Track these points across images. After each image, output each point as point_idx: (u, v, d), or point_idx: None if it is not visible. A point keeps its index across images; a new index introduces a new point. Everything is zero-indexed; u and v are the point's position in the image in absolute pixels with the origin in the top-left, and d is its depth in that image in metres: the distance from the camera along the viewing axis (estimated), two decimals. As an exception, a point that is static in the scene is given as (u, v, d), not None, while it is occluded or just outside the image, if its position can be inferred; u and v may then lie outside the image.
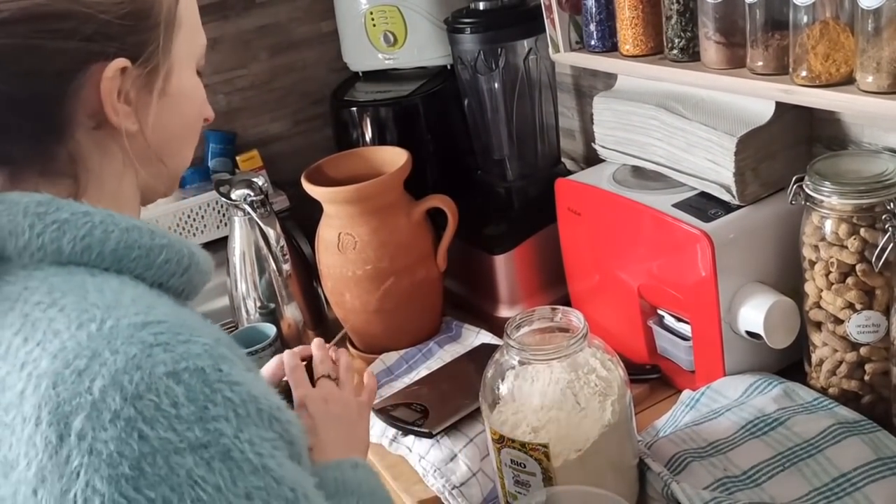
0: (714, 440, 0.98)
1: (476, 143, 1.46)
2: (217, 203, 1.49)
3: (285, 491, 0.58)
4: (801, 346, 1.05)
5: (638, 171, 1.20)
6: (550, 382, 0.90)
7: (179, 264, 0.68)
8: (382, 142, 1.49)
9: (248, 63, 1.65)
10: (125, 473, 0.54)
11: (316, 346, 1.00)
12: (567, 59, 1.25)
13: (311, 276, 1.42)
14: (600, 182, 1.21)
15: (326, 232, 1.33)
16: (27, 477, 0.55)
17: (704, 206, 1.07)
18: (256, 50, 1.66)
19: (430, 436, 1.09)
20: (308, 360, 0.97)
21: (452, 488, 1.04)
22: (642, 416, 1.11)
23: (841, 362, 1.00)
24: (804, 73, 0.90)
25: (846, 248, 0.94)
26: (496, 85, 1.37)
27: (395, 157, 1.34)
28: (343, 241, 1.31)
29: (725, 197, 1.06)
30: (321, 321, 1.44)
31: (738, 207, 1.06)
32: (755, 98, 1.03)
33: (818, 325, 1.01)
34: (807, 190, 0.97)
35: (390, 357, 1.33)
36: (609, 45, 1.17)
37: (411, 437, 1.12)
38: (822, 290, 0.98)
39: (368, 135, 1.51)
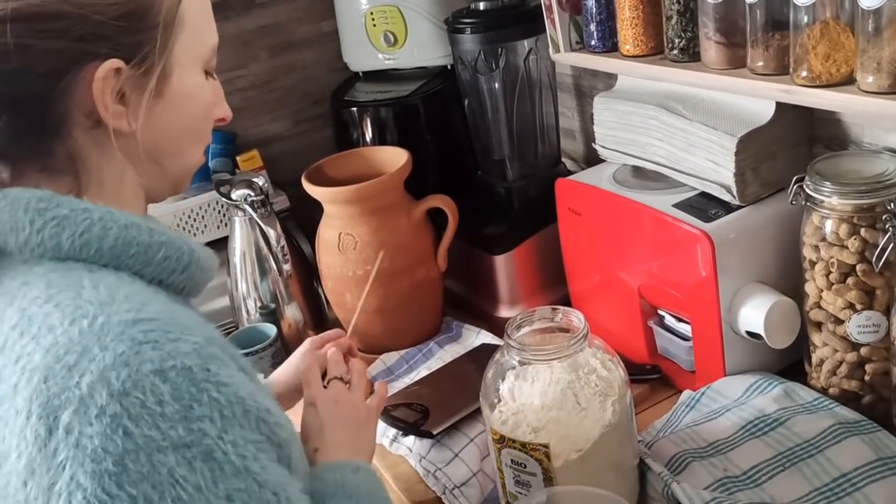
0: (714, 440, 0.98)
1: (476, 144, 1.46)
2: (217, 203, 1.49)
3: (267, 494, 0.59)
4: (801, 347, 1.05)
5: (638, 172, 1.21)
6: (551, 382, 0.90)
7: (179, 261, 0.69)
8: (383, 142, 1.49)
9: (248, 63, 1.65)
10: (108, 469, 0.55)
11: (332, 349, 1.02)
12: (567, 60, 1.25)
13: (312, 276, 1.42)
14: (600, 182, 1.21)
15: (327, 232, 1.33)
16: (18, 468, 0.56)
17: (705, 206, 1.07)
18: (257, 50, 1.66)
19: (430, 436, 1.09)
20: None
21: (453, 488, 1.04)
22: (643, 416, 1.11)
23: (841, 362, 1.00)
24: (804, 74, 0.90)
25: (846, 248, 0.94)
26: (496, 85, 1.37)
27: (395, 158, 1.34)
28: (343, 241, 1.31)
29: (726, 197, 1.06)
30: (321, 321, 1.44)
31: (739, 207, 1.06)
32: (755, 98, 1.03)
33: (818, 326, 1.01)
34: (807, 190, 0.97)
35: (390, 357, 1.33)
36: (609, 45, 1.17)
37: (412, 437, 1.12)
38: (822, 291, 0.98)
39: (369, 135, 1.51)
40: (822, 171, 0.97)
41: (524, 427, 0.90)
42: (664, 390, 1.17)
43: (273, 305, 1.37)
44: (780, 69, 0.94)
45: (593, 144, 1.28)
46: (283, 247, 1.31)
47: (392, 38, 1.53)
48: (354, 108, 1.52)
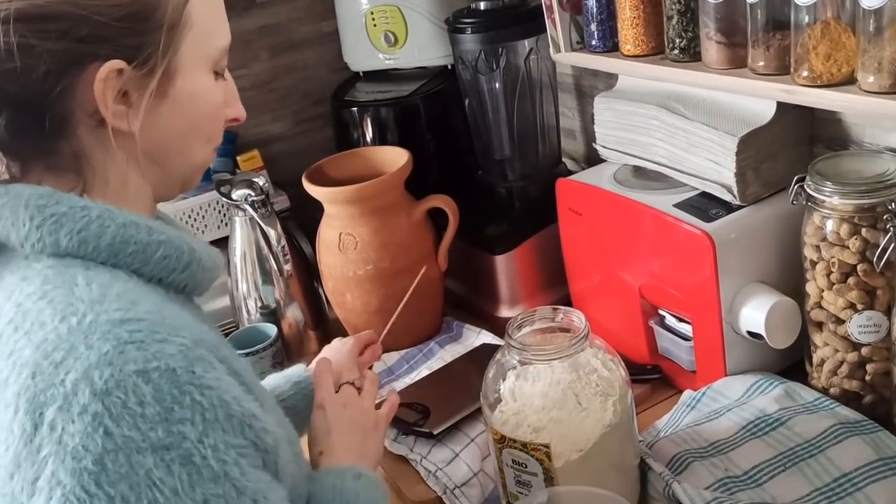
0: (715, 440, 0.98)
1: (477, 143, 1.46)
2: (218, 203, 1.49)
3: (245, 501, 0.59)
4: (802, 347, 1.05)
5: (639, 171, 1.20)
6: (552, 382, 0.90)
7: (179, 261, 0.69)
8: (383, 142, 1.49)
9: (248, 63, 1.65)
10: (88, 468, 0.55)
11: (348, 353, 1.04)
12: (568, 59, 1.25)
13: (312, 276, 1.42)
14: (601, 182, 1.21)
15: (327, 232, 1.33)
16: (5, 461, 0.57)
17: (705, 206, 1.07)
18: (257, 50, 1.66)
19: (431, 436, 1.09)
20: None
21: (454, 488, 1.04)
22: (643, 416, 1.11)
23: (842, 362, 1.00)
24: (805, 73, 0.90)
25: (847, 248, 0.94)
26: (497, 85, 1.37)
27: (395, 158, 1.34)
28: (344, 241, 1.31)
29: (727, 197, 1.06)
30: (322, 321, 1.44)
31: (740, 207, 1.06)
32: (756, 98, 1.03)
33: (819, 326, 1.01)
34: (808, 190, 0.97)
35: (391, 357, 1.33)
36: (610, 45, 1.17)
37: (412, 437, 1.12)
38: (823, 291, 0.98)
39: (369, 135, 1.51)
40: (823, 170, 0.97)
41: (525, 427, 0.90)
42: (665, 390, 1.17)
43: (273, 305, 1.37)
44: (781, 69, 0.94)
45: (594, 144, 1.28)
46: (283, 247, 1.31)
47: (392, 38, 1.53)
48: (355, 108, 1.52)
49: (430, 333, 1.37)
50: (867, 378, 0.99)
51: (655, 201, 1.11)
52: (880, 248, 0.91)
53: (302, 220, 1.50)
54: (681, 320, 1.13)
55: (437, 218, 1.36)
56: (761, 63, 0.96)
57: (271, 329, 1.31)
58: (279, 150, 1.71)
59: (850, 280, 0.95)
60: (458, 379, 1.20)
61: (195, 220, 1.49)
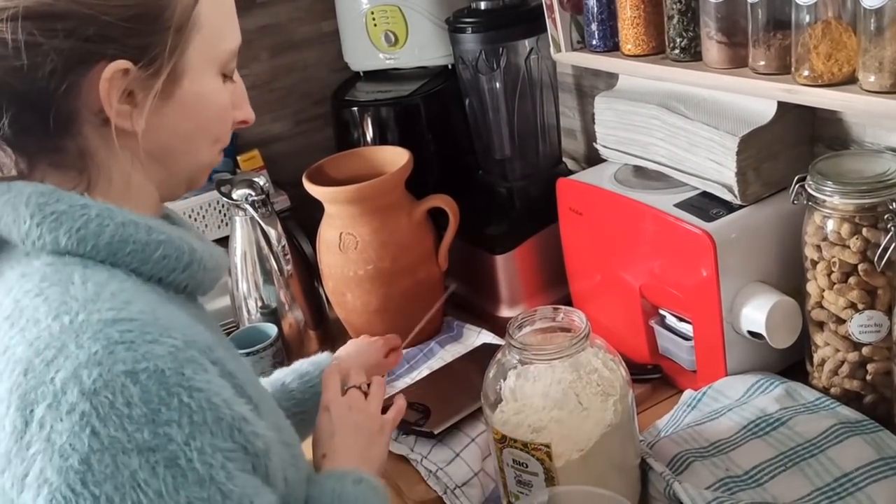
0: (716, 440, 0.98)
1: (477, 143, 1.46)
2: (218, 203, 1.49)
3: None
4: (802, 346, 1.05)
5: (639, 171, 1.20)
6: (552, 382, 0.90)
7: (179, 260, 0.69)
8: (383, 142, 1.49)
9: (248, 63, 1.65)
10: (74, 467, 0.55)
11: (375, 353, 1.06)
12: (568, 59, 1.25)
13: (313, 275, 1.42)
14: (602, 182, 1.20)
15: (328, 232, 1.33)
16: None
17: (706, 205, 1.07)
18: (257, 50, 1.66)
19: (431, 436, 1.09)
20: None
21: (454, 488, 1.04)
22: (644, 415, 1.11)
23: (843, 362, 1.00)
24: (806, 73, 0.90)
25: (848, 247, 0.94)
26: (497, 85, 1.37)
27: (396, 157, 1.34)
28: (344, 240, 1.31)
29: (727, 197, 1.06)
30: (322, 321, 1.44)
31: (740, 207, 1.06)
32: (757, 98, 1.03)
33: (820, 325, 1.01)
34: (809, 190, 0.97)
35: (392, 357, 1.33)
36: (610, 44, 1.17)
37: (413, 437, 1.12)
38: (824, 290, 0.98)
39: (369, 135, 1.51)
40: (823, 170, 0.97)
41: (526, 427, 0.90)
42: (665, 390, 1.16)
43: (274, 305, 1.37)
44: (782, 69, 0.94)
45: (594, 144, 1.28)
46: (283, 246, 1.31)
47: (393, 38, 1.53)
48: (355, 108, 1.52)
49: (430, 333, 1.37)
50: (868, 378, 0.99)
51: (656, 201, 1.11)
52: (881, 247, 0.91)
53: (302, 220, 1.50)
54: (681, 320, 1.13)
55: (437, 218, 1.36)
56: (762, 62, 0.96)
57: (272, 329, 1.31)
58: (279, 150, 1.71)
59: (851, 280, 0.95)
60: (459, 379, 1.20)
61: (195, 219, 1.49)
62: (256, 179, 1.32)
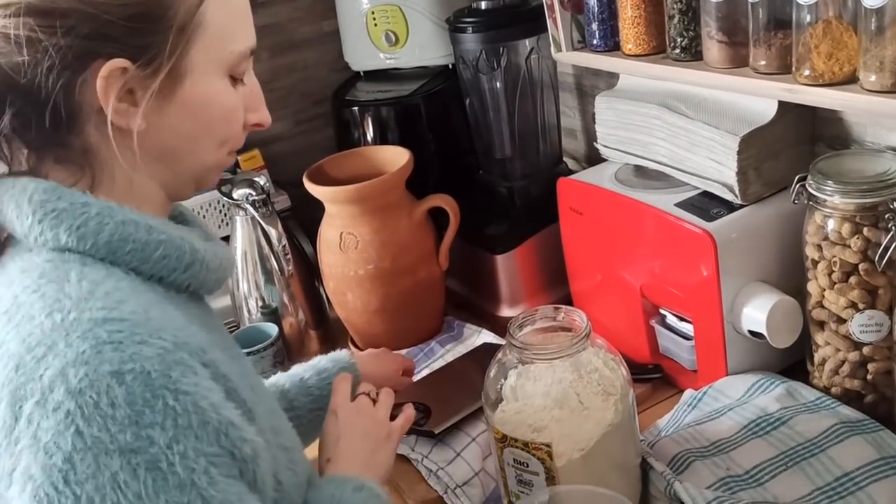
0: (716, 439, 0.98)
1: (478, 143, 1.46)
2: (219, 202, 1.49)
3: None
4: (803, 346, 1.05)
5: (640, 171, 1.20)
6: (553, 382, 0.90)
7: (180, 260, 0.69)
8: (384, 141, 1.49)
9: (249, 63, 1.65)
10: (58, 465, 0.56)
11: (394, 367, 1.07)
12: (569, 59, 1.25)
13: (313, 275, 1.42)
14: (602, 181, 1.20)
15: (328, 231, 1.33)
16: None
17: (707, 205, 1.07)
18: (257, 50, 1.63)
19: (432, 435, 1.09)
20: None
21: (455, 488, 1.04)
22: (645, 415, 1.11)
23: (843, 362, 1.00)
24: (807, 72, 0.90)
25: (849, 247, 0.94)
26: (498, 84, 1.37)
27: (396, 157, 1.34)
28: (345, 240, 1.31)
29: (728, 196, 1.06)
30: (323, 321, 1.44)
31: (741, 207, 1.06)
32: (758, 97, 1.03)
33: (821, 325, 1.01)
34: (809, 189, 0.97)
35: (392, 357, 1.33)
36: (611, 44, 1.17)
37: (413, 437, 1.12)
38: (824, 290, 0.98)
39: (370, 134, 1.51)
40: (824, 170, 0.97)
41: (526, 426, 0.89)
42: (666, 389, 1.17)
43: (274, 305, 1.37)
44: (783, 68, 0.94)
45: (595, 144, 1.28)
46: (284, 246, 1.31)
47: (393, 38, 1.53)
48: (355, 108, 1.52)
49: (431, 333, 1.37)
50: (868, 377, 0.99)
51: (657, 201, 1.11)
52: (882, 247, 0.91)
53: (303, 220, 1.50)
54: (682, 319, 1.13)
55: (437, 217, 1.36)
56: (763, 62, 0.96)
57: (272, 328, 1.31)
58: (280, 150, 1.70)
59: (852, 279, 0.95)
60: (459, 378, 1.20)
61: (196, 219, 1.49)
62: (257, 179, 1.32)
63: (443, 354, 1.31)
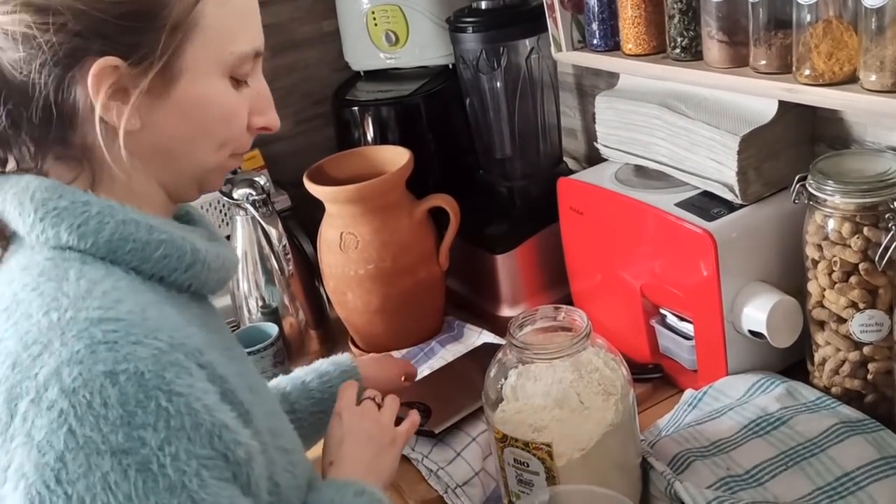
0: (717, 439, 0.98)
1: (478, 143, 1.46)
2: (219, 202, 1.49)
3: None
4: (803, 346, 1.05)
5: (640, 171, 1.20)
6: (553, 382, 0.90)
7: (181, 260, 0.69)
8: (384, 141, 1.49)
9: (249, 62, 1.65)
10: (50, 464, 0.56)
11: (395, 372, 1.07)
12: (569, 59, 1.25)
13: (313, 275, 1.42)
14: (602, 181, 1.20)
15: (328, 231, 1.33)
16: None
17: (707, 205, 1.07)
18: (259, 50, 1.66)
19: (432, 435, 1.09)
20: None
21: (455, 488, 1.04)
22: (645, 415, 1.11)
23: (844, 361, 1.00)
24: (807, 72, 0.90)
25: (849, 247, 0.94)
26: (498, 84, 1.37)
27: (396, 157, 1.34)
28: (345, 240, 1.31)
29: (728, 196, 1.06)
30: (323, 321, 1.44)
31: (741, 206, 1.06)
32: (758, 97, 1.03)
33: (821, 325, 1.01)
34: (810, 189, 0.97)
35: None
36: (611, 44, 1.17)
37: (414, 437, 1.11)
38: (824, 289, 0.98)
39: (370, 134, 1.51)
40: (824, 169, 0.97)
41: (527, 426, 0.89)
42: (666, 389, 1.17)
43: (275, 305, 1.37)
44: (783, 68, 0.94)
45: (595, 143, 1.27)
46: (284, 246, 1.31)
47: (393, 38, 1.53)
48: (356, 108, 1.52)
49: (431, 333, 1.37)
50: (869, 377, 0.99)
51: (657, 200, 1.11)
52: (882, 246, 0.91)
53: (303, 220, 1.50)
54: (682, 319, 1.13)
55: (438, 217, 1.36)
56: (763, 62, 0.96)
57: (272, 328, 1.31)
58: (280, 150, 1.70)
59: (852, 279, 0.95)
60: (460, 378, 1.20)
61: (196, 219, 1.49)
62: (257, 179, 1.32)
63: (443, 354, 1.31)
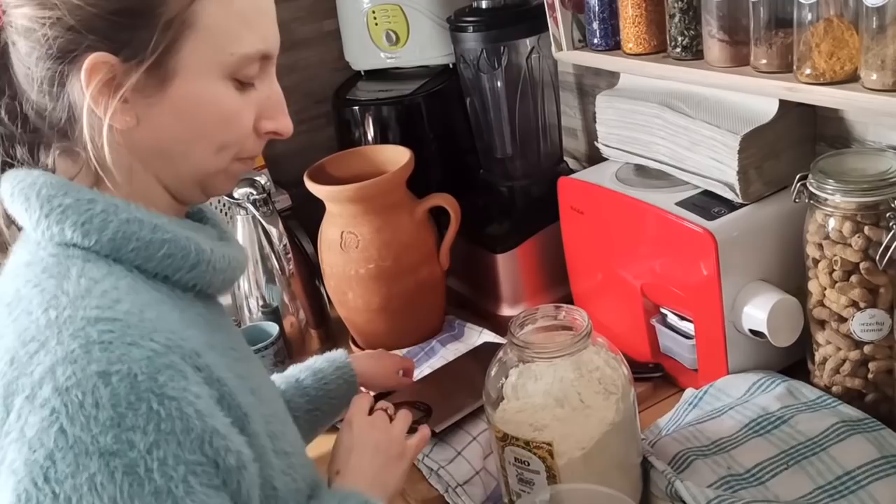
0: (717, 438, 0.98)
1: (478, 142, 1.46)
2: (219, 202, 1.49)
3: None
4: (804, 345, 1.05)
5: (641, 170, 1.20)
6: (554, 381, 0.90)
7: (185, 260, 0.69)
8: (385, 141, 1.49)
9: (250, 62, 1.65)
10: (39, 461, 0.56)
11: (391, 367, 1.08)
12: (570, 58, 1.25)
13: (314, 275, 1.42)
14: (603, 180, 1.20)
15: (329, 231, 1.33)
16: None
17: (708, 204, 1.07)
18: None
19: (433, 434, 1.09)
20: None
21: (455, 487, 1.04)
22: (645, 414, 1.11)
23: (844, 360, 1.00)
24: (808, 71, 0.90)
25: (850, 246, 0.94)
26: (499, 84, 1.37)
27: (397, 156, 1.34)
28: (346, 239, 1.31)
29: (729, 195, 1.06)
30: (324, 320, 1.44)
31: (742, 206, 1.06)
32: (759, 96, 1.03)
33: (822, 324, 1.01)
34: (810, 188, 0.97)
35: (393, 356, 1.33)
36: (612, 43, 1.17)
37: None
38: (825, 289, 0.98)
39: (371, 134, 1.51)
40: (825, 169, 0.97)
41: (527, 425, 0.89)
42: (667, 388, 1.17)
43: (275, 304, 1.37)
44: (784, 67, 0.94)
45: (596, 143, 1.28)
46: (285, 245, 1.31)
47: (394, 37, 1.53)
48: (356, 107, 1.52)
49: (431, 332, 1.37)
50: (869, 376, 0.99)
51: (657, 200, 1.11)
52: (883, 245, 0.91)
53: (304, 219, 1.50)
54: (683, 318, 1.13)
55: (438, 217, 1.36)
56: (764, 61, 0.96)
57: (273, 328, 1.31)
58: (281, 150, 1.70)
59: (853, 278, 0.95)
60: (460, 377, 1.20)
61: (197, 218, 1.49)
62: (258, 178, 1.32)
63: (443, 353, 1.31)
